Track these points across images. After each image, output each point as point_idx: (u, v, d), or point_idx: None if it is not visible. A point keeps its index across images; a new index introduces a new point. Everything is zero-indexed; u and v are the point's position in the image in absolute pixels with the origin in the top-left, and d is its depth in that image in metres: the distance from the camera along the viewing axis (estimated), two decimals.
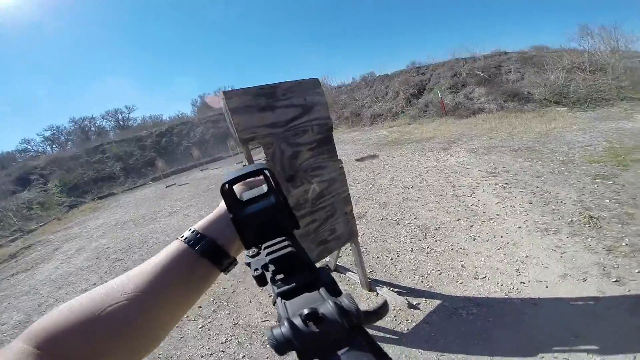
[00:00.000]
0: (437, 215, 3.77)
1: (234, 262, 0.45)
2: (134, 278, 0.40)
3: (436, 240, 3.25)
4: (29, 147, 23.37)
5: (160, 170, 12.28)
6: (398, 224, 3.78)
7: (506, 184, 4.17)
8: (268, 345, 2.34)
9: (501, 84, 10.27)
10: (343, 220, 2.32)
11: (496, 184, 4.21)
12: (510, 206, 3.59)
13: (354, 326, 0.22)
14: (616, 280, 2.20)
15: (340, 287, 0.28)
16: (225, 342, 2.49)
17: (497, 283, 2.47)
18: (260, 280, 0.31)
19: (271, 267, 0.30)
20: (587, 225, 2.89)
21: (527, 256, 2.70)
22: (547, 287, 2.31)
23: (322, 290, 0.26)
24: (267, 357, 2.25)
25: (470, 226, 3.37)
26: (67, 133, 24.53)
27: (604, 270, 2.33)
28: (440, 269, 2.79)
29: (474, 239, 3.12)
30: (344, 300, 0.24)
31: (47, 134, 24.18)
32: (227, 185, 0.37)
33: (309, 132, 2.07)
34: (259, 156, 2.11)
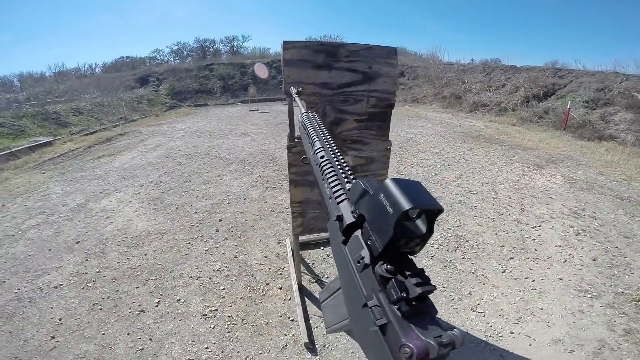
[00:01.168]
0: (483, 232, 3.36)
1: None
2: None
3: (464, 257, 2.94)
4: (158, 55, 26.91)
5: (250, 95, 13.13)
6: (437, 224, 3.49)
7: (583, 230, 3.45)
8: (248, 287, 2.54)
9: None
10: None
11: (571, 227, 3.52)
12: (569, 254, 3.01)
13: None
14: None
15: None
16: (217, 270, 2.71)
17: (488, 323, 2.22)
18: (397, 301, 0.30)
19: (414, 294, 0.29)
20: (634, 303, 2.43)
21: (541, 309, 2.35)
22: (530, 345, 2.05)
23: (438, 321, 0.29)
24: (241, 298, 2.40)
25: (510, 258, 2.94)
26: (190, 49, 27.42)
27: (599, 349, 2.03)
28: (446, 287, 2.55)
29: (503, 272, 2.74)
30: (457, 336, 0.27)
31: (175, 47, 27.33)
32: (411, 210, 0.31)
33: (362, 102, 1.92)
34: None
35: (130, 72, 17.75)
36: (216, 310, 2.30)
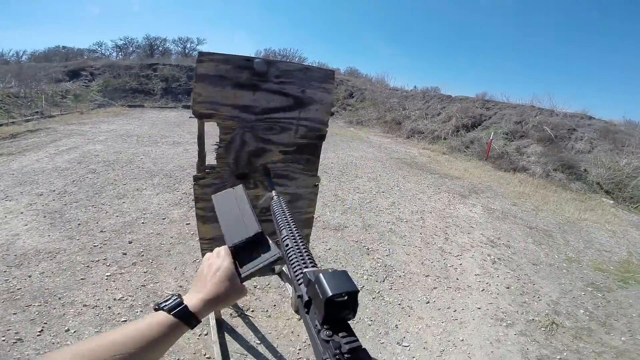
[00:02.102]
0: (410, 261, 3.41)
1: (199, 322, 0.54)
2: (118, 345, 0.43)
3: (391, 288, 2.93)
4: (99, 49, 24.33)
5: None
6: (368, 254, 3.44)
7: (498, 259, 3.72)
8: None
9: (562, 150, 9.31)
10: None
11: (489, 255, 3.77)
12: (487, 283, 3.20)
13: None
14: None
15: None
16: (119, 299, 2.33)
17: (413, 357, 2.22)
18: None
19: (346, 355, 0.38)
20: (542, 329, 2.67)
21: (462, 340, 2.42)
22: None
23: None
24: None
25: (434, 288, 3.01)
26: (137, 46, 25.27)
27: None
28: (374, 320, 2.49)
29: (428, 302, 2.78)
30: None
31: (120, 42, 25.03)
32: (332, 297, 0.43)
33: (290, 131, 1.65)
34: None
35: (62, 64, 15.70)
36: None
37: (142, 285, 2.50)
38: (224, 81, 1.46)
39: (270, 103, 1.56)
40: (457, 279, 3.21)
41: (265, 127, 1.59)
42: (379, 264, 3.27)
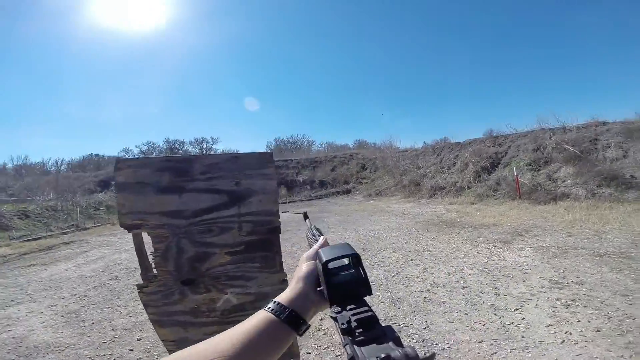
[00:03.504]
0: (456, 329, 2.82)
1: (308, 327, 0.53)
2: (223, 342, 0.45)
3: None
4: (126, 155, 26.66)
5: None
6: (400, 331, 2.89)
7: (572, 300, 3.09)
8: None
9: (596, 163, 8.53)
10: None
11: (557, 299, 3.14)
12: (566, 332, 2.57)
13: None
14: None
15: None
16: None
17: None
18: (347, 332, 0.37)
19: (354, 323, 0.37)
20: None
21: None
22: None
23: (390, 343, 0.35)
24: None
25: (493, 354, 2.41)
26: (159, 150, 27.80)
27: None
28: None
29: None
30: (408, 350, 0.31)
31: (144, 148, 27.71)
32: (326, 262, 0.49)
33: (232, 230, 1.44)
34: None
35: (93, 173, 17.29)
36: None
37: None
38: (145, 187, 1.35)
39: (201, 204, 1.39)
40: (523, 336, 2.60)
41: (202, 230, 1.40)
42: (414, 340, 2.74)
